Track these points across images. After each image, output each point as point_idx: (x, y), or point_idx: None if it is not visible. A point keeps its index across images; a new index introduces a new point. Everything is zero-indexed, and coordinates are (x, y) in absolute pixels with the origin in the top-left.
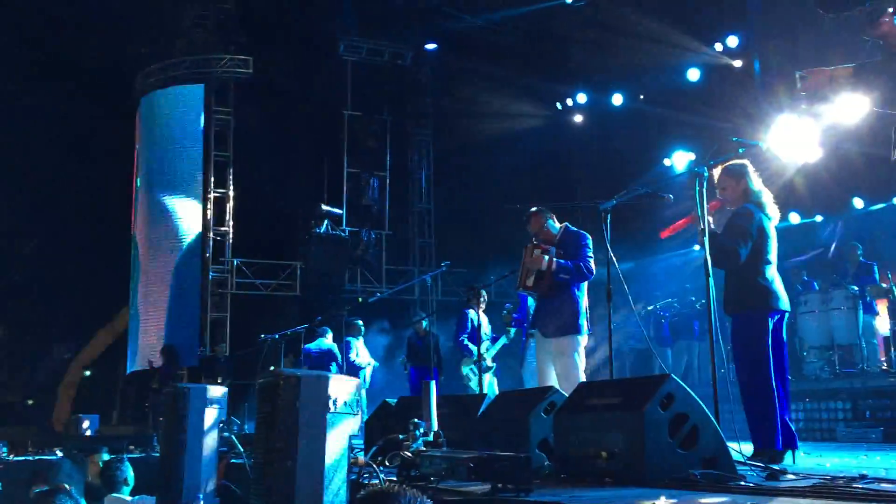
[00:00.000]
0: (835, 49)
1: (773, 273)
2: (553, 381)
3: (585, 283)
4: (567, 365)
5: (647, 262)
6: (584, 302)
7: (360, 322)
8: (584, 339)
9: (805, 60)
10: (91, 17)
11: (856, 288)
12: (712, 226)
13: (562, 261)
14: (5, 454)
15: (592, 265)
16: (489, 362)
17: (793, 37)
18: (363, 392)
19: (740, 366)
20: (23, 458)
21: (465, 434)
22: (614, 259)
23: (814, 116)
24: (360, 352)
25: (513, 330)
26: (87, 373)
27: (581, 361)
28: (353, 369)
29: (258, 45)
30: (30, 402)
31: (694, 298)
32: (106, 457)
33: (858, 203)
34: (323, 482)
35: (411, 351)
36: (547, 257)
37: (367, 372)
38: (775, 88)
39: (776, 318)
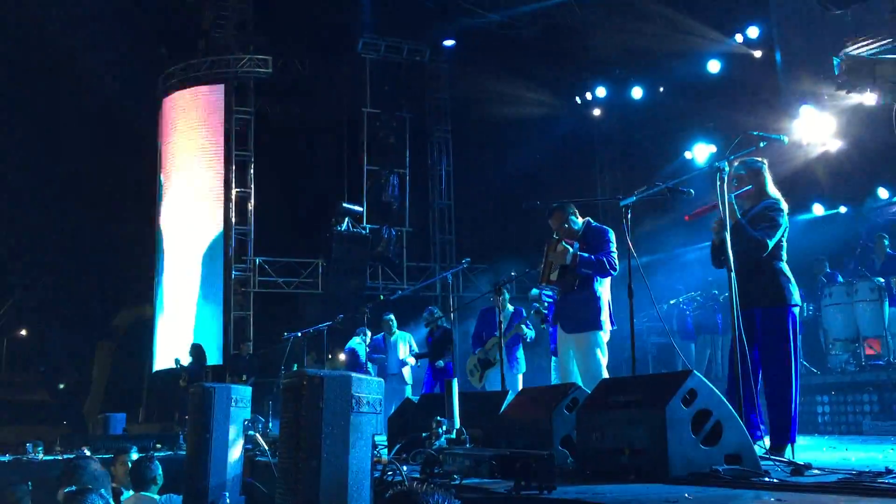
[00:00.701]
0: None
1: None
2: (575, 376)
3: (608, 279)
4: (588, 361)
5: (669, 255)
6: (607, 297)
7: (389, 317)
8: (605, 335)
9: (829, 51)
10: (114, 18)
11: (881, 279)
12: (737, 215)
13: (584, 254)
14: (33, 454)
15: (615, 260)
16: (495, 358)
17: (815, 27)
18: (407, 389)
19: (770, 361)
20: (52, 457)
21: (488, 431)
22: (635, 255)
23: (835, 107)
24: (401, 350)
25: (528, 332)
26: (62, 385)
27: (603, 357)
28: (380, 367)
29: (277, 44)
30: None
31: (717, 292)
32: (135, 456)
33: (883, 193)
34: (347, 481)
35: (428, 348)
36: (571, 250)
37: (406, 370)
38: (798, 79)
39: (796, 310)
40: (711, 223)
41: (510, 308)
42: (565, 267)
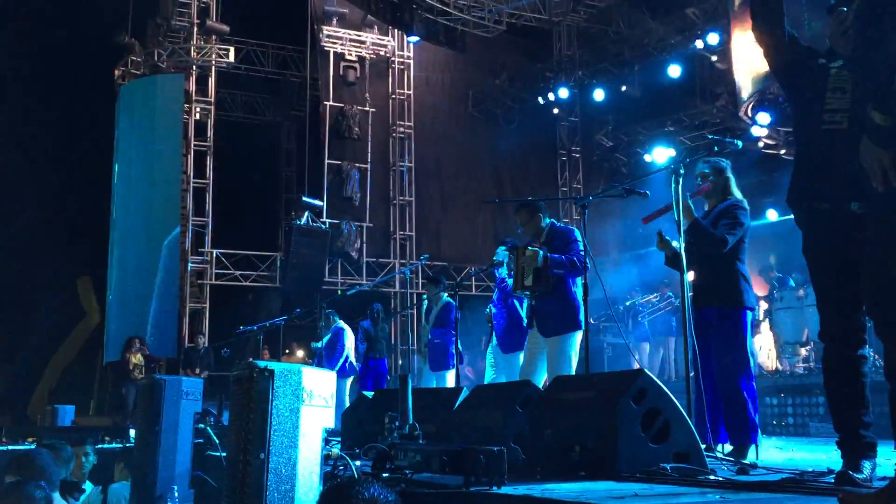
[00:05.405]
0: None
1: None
2: (540, 377)
3: (580, 279)
4: (562, 363)
5: (625, 256)
6: (580, 296)
7: (329, 312)
8: (579, 336)
9: None
10: (72, 4)
11: None
12: (693, 214)
13: (554, 255)
14: None
15: (585, 258)
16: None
17: None
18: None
19: (724, 362)
20: None
21: (441, 427)
22: (591, 254)
23: (790, 112)
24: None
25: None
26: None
27: (575, 359)
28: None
29: (239, 34)
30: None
31: (672, 294)
32: (90, 450)
33: None
34: (296, 474)
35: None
36: (541, 253)
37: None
38: (753, 84)
39: (749, 314)
40: (656, 239)
41: (444, 299)
42: (538, 269)
